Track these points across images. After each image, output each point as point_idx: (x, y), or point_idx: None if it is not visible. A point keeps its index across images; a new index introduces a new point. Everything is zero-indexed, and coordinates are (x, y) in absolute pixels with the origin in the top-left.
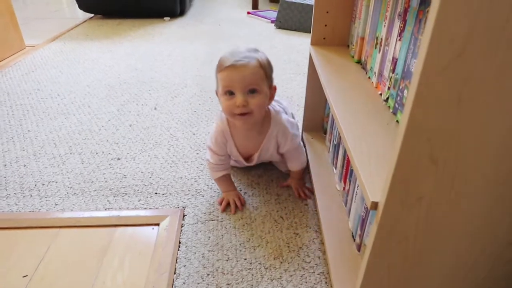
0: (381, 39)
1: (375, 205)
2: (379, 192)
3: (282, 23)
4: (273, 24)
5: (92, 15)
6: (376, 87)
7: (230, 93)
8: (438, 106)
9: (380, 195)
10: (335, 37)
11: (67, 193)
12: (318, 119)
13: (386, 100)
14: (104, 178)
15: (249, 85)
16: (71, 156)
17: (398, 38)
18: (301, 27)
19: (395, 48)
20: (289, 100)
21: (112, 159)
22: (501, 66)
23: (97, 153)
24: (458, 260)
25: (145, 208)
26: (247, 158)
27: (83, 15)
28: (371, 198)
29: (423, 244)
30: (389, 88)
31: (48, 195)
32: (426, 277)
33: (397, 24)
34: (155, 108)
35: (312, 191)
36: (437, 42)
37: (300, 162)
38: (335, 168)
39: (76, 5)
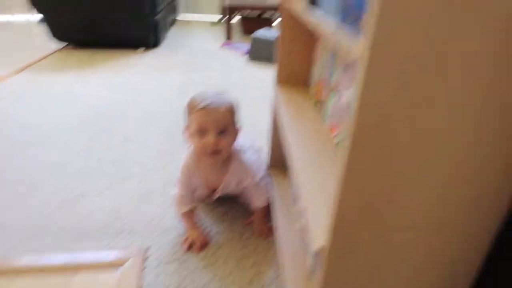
0: (335, 84)
1: (320, 250)
2: (324, 236)
3: (254, 55)
4: (246, 56)
5: (64, 45)
6: (331, 130)
7: (202, 133)
8: (371, 163)
9: (324, 239)
10: (298, 77)
11: (25, 236)
12: (283, 155)
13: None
14: (66, 218)
15: (220, 126)
16: (33, 194)
17: (349, 85)
18: (271, 59)
19: (346, 94)
20: (259, 132)
21: (75, 196)
22: (421, 131)
23: (62, 189)
24: None
25: (109, 249)
26: (212, 192)
27: (54, 45)
28: (316, 243)
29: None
30: (340, 132)
31: (4, 239)
32: None
33: (348, 71)
34: (126, 141)
35: (272, 229)
36: (363, 107)
37: (260, 200)
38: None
39: (47, 36)
